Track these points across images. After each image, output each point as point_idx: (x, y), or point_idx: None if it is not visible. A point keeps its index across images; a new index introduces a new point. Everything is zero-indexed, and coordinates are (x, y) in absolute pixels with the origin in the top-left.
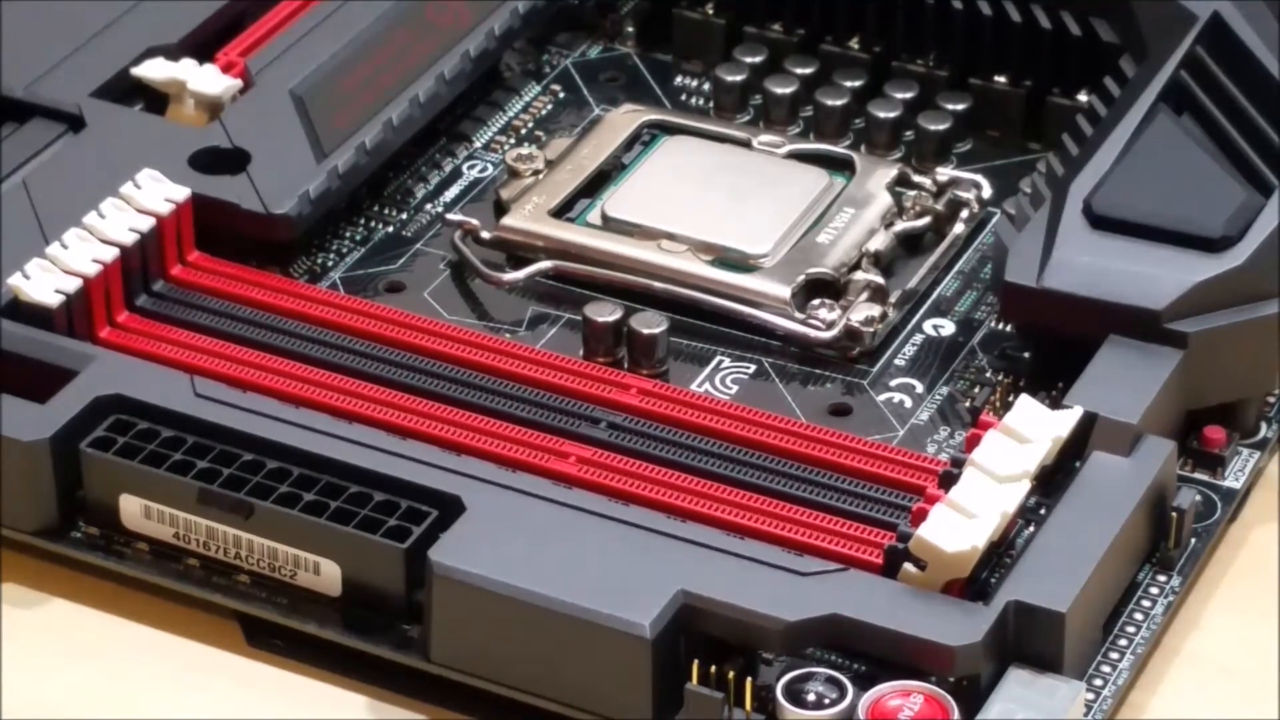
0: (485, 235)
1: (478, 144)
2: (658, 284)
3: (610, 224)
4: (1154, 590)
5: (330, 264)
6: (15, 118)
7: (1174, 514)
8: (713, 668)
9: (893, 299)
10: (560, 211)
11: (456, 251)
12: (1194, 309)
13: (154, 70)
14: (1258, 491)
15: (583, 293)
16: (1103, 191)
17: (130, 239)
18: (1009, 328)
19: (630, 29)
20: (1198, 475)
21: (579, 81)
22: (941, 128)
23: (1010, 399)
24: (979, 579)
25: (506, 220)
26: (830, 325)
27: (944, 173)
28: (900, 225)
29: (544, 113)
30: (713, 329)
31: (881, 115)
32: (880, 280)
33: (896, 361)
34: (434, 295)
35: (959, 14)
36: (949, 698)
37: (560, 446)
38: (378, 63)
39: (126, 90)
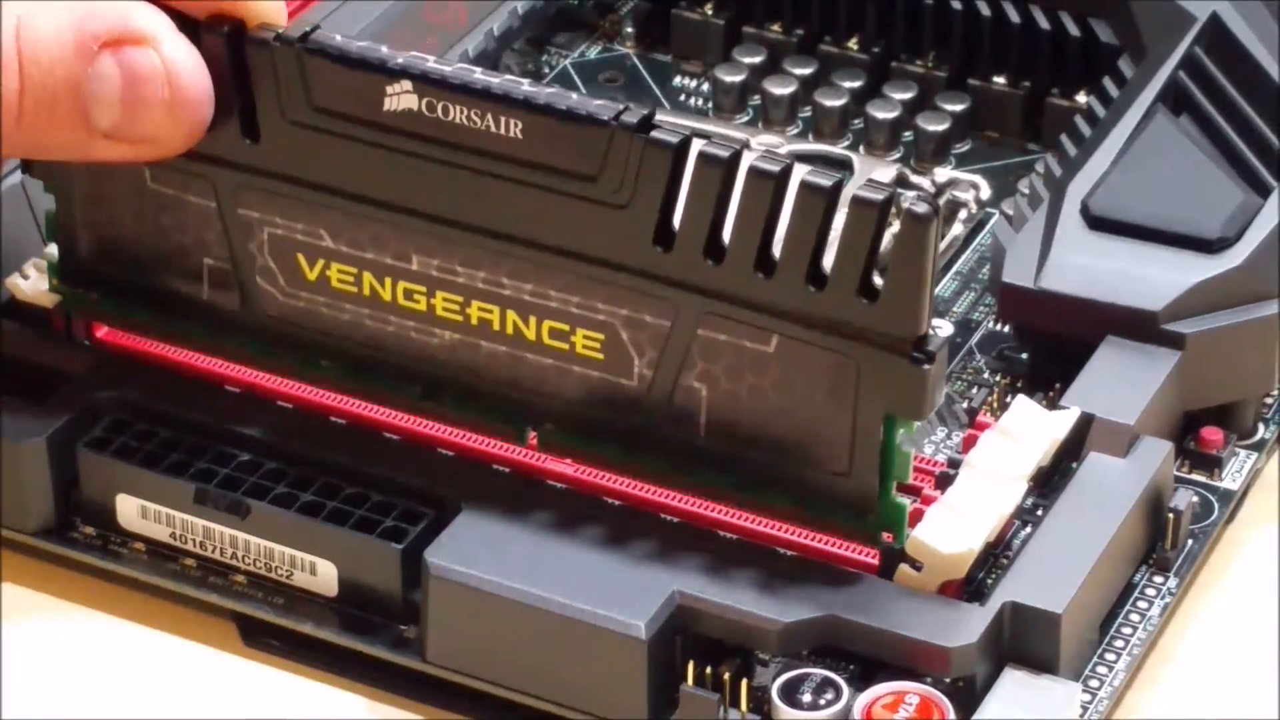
0: None
1: None
2: None
3: None
4: (1150, 591)
5: None
6: None
7: (1171, 515)
8: (708, 669)
9: None
10: None
11: None
12: (1191, 310)
13: None
14: (1255, 493)
15: None
16: (1101, 192)
17: None
18: (1007, 328)
19: (629, 29)
20: (1195, 476)
21: (578, 81)
22: (940, 128)
23: (1007, 400)
24: (975, 580)
25: None
26: None
27: (942, 173)
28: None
29: None
30: None
31: (880, 116)
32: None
33: None
34: None
35: (958, 15)
36: (945, 699)
37: None
38: None
39: None
